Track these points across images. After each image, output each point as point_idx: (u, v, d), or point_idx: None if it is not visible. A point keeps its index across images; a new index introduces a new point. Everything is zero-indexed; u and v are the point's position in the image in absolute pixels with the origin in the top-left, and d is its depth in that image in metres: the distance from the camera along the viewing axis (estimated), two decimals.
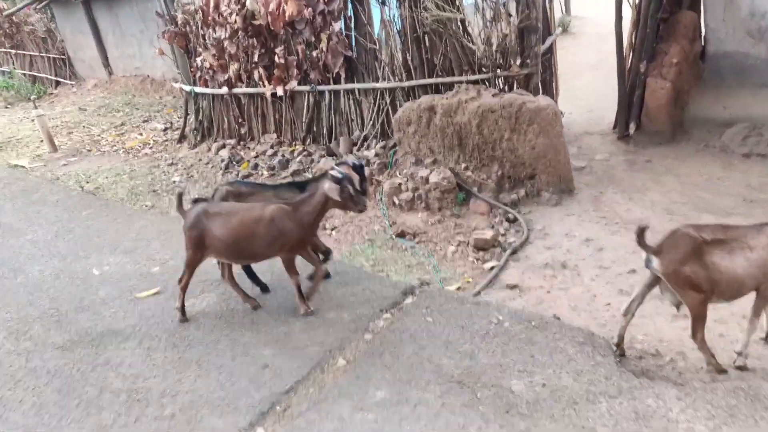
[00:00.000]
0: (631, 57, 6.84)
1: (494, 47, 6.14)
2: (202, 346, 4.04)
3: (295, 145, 7.80)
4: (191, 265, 4.24)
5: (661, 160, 6.59)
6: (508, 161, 6.07)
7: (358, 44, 7.00)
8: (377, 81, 6.97)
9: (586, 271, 4.92)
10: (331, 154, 7.26)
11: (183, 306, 4.36)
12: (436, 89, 6.60)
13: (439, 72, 6.53)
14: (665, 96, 6.67)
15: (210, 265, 5.09)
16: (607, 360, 3.52)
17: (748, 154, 6.30)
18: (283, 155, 7.61)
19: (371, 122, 7.15)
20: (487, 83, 6.30)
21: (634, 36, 6.76)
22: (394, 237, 5.72)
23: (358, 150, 7.10)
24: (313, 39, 7.11)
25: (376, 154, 6.87)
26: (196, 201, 4.61)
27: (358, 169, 4.26)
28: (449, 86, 6.46)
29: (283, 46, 7.37)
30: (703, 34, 7.04)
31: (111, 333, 4.32)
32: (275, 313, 4.31)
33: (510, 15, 5.98)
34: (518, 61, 6.24)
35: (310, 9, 6.90)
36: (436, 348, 3.72)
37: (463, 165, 6.23)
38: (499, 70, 6.24)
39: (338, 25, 6.98)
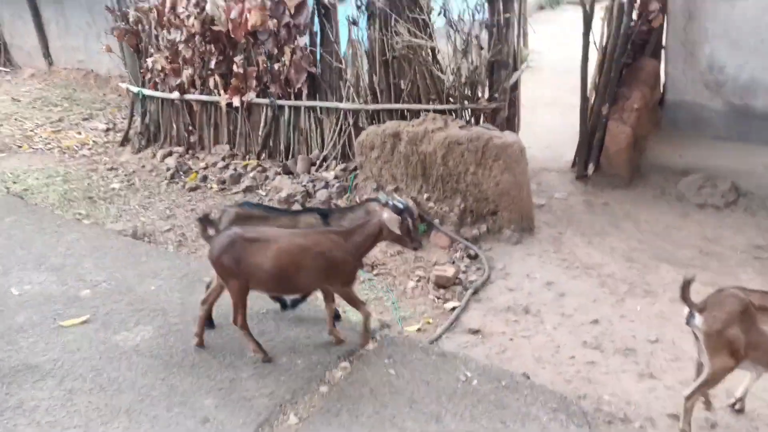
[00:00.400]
0: (593, 99, 6.77)
1: (463, 78, 5.90)
2: (133, 391, 3.50)
3: (249, 159, 7.28)
4: (241, 298, 3.63)
5: (619, 204, 6.51)
6: (471, 195, 5.82)
7: (323, 61, 6.60)
8: (341, 101, 6.59)
9: (549, 318, 4.71)
10: (287, 171, 6.80)
11: (257, 344, 3.76)
12: (402, 115, 6.29)
13: (406, 98, 6.23)
14: (625, 140, 6.62)
15: (147, 292, 4.55)
16: (581, 430, 3.26)
17: (702, 204, 6.31)
18: (235, 169, 7.08)
19: (332, 143, 6.75)
20: (453, 114, 6.04)
21: (598, 78, 6.69)
22: None
23: (317, 170, 6.69)
24: (275, 51, 6.65)
25: (336, 177, 6.48)
26: (201, 221, 4.03)
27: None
28: (415, 113, 6.17)
29: (243, 56, 6.87)
30: (663, 82, 7.08)
31: (27, 369, 3.71)
32: (220, 356, 3.82)
33: (482, 48, 5.75)
34: (486, 95, 6.03)
35: (275, 20, 6.45)
36: (399, 407, 3.36)
37: (426, 195, 5.94)
38: (466, 102, 6.00)
39: (304, 40, 6.56)
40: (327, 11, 6.47)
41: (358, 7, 6.09)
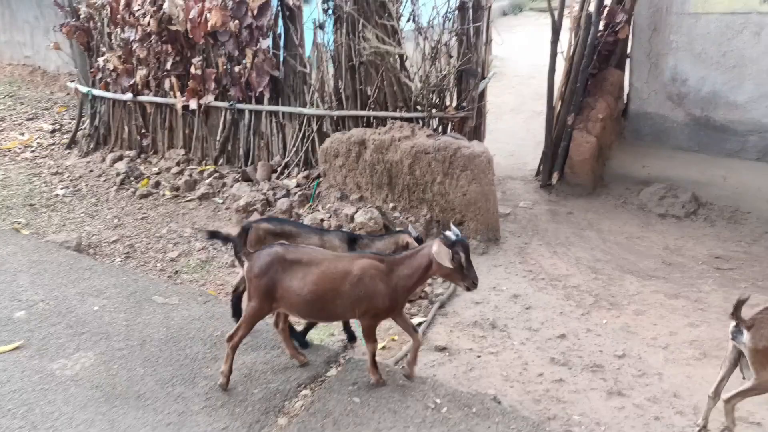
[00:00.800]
0: (559, 108, 6.66)
1: (431, 86, 5.68)
2: (70, 428, 3.12)
3: (206, 164, 6.88)
4: (253, 320, 3.35)
5: (582, 213, 6.42)
6: (438, 205, 5.62)
7: (287, 65, 6.27)
8: (305, 106, 6.27)
9: (516, 333, 4.53)
10: (246, 179, 6.44)
11: (230, 371, 3.43)
12: (368, 122, 6.02)
13: (372, 105, 5.96)
14: (589, 150, 6.54)
15: (90, 313, 4.14)
16: None
17: (664, 214, 6.27)
18: (190, 174, 6.67)
19: (294, 149, 6.42)
20: (421, 122, 5.81)
21: (564, 88, 6.59)
22: None
23: (278, 178, 6.34)
24: (236, 53, 6.28)
25: (298, 185, 6.16)
26: (213, 235, 3.82)
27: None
28: (381, 121, 5.92)
29: (201, 57, 6.47)
30: (627, 92, 7.05)
31: None
32: (169, 385, 3.46)
33: (451, 56, 5.55)
34: (454, 103, 5.83)
35: (236, 21, 6.07)
36: None
37: (391, 205, 5.69)
38: (434, 110, 5.78)
39: (266, 42, 6.21)
40: (291, 13, 6.15)
41: (325, 11, 5.79)
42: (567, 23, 6.58)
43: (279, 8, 6.16)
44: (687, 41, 6.30)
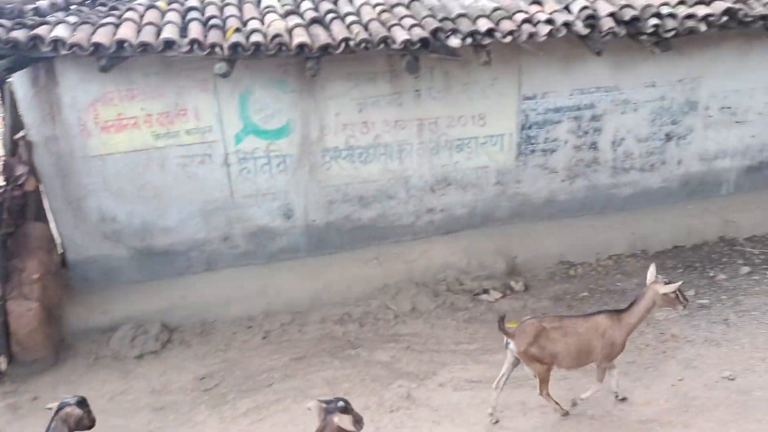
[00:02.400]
0: None
1: None
2: None
3: None
4: None
5: (51, 391, 5.34)
6: None
7: None
8: None
9: None
10: None
11: None
12: None
13: None
14: (35, 317, 5.56)
15: None
16: None
17: (140, 355, 5.86)
18: None
19: None
20: None
21: None
22: None
23: None
24: None
25: None
26: None
27: None
28: None
29: None
30: (60, 242, 6.32)
31: None
32: None
33: None
34: None
35: None
36: None
37: None
38: None
39: None
40: None
41: None
42: None
43: None
44: (102, 181, 6.09)
